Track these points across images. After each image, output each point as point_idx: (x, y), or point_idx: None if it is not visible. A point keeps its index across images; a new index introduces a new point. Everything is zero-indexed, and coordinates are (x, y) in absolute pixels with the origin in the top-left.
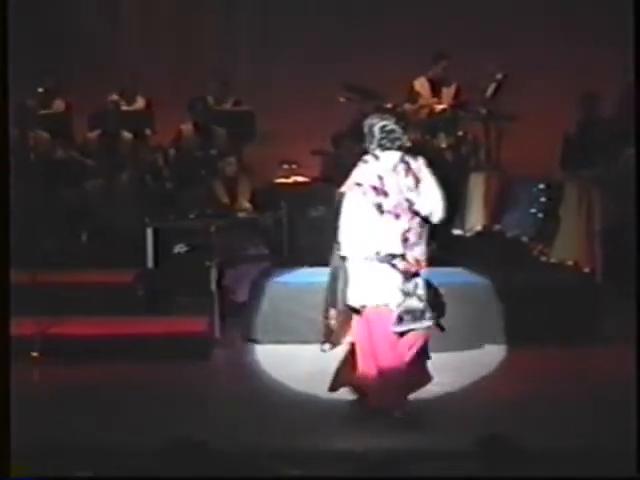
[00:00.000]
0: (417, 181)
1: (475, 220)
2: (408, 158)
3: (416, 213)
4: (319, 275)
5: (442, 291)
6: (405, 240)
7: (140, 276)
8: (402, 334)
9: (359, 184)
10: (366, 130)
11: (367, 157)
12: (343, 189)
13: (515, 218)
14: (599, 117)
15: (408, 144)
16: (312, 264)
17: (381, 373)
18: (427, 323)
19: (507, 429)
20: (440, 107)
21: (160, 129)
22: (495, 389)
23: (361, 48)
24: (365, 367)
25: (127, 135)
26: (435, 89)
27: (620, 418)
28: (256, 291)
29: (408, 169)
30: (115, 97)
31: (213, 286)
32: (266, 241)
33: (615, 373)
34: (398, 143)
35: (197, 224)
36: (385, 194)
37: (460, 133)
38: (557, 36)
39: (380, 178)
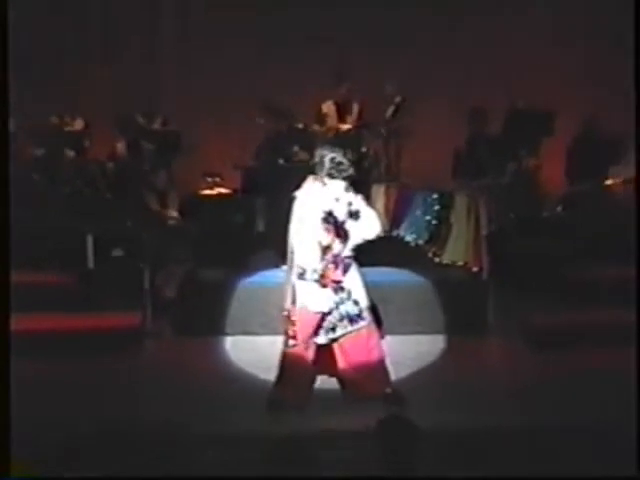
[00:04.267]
0: (352, 212)
1: None
2: (350, 192)
3: (346, 238)
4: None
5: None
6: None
7: (82, 276)
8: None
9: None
10: (317, 160)
11: (316, 177)
12: (298, 196)
13: (411, 224)
14: (485, 133)
15: (354, 174)
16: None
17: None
18: (363, 323)
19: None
20: (345, 127)
21: (97, 147)
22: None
23: (277, 69)
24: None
25: (70, 152)
26: (341, 111)
27: (503, 403)
28: (183, 289)
29: (349, 202)
30: (56, 119)
31: (146, 284)
32: (191, 245)
33: (501, 361)
34: (345, 174)
35: (132, 231)
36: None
37: (363, 149)
38: (448, 63)
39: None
